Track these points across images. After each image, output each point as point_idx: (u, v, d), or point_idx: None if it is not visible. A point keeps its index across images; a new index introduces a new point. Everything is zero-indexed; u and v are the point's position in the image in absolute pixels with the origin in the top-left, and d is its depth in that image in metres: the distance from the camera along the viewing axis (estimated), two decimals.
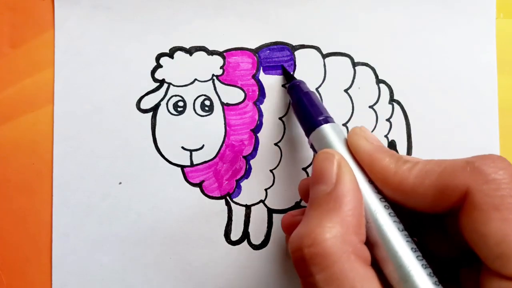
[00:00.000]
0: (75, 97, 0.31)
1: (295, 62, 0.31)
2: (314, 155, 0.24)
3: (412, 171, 0.20)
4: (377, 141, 0.23)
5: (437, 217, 0.22)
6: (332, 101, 0.31)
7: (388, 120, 0.32)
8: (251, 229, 0.31)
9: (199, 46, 0.31)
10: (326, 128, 0.24)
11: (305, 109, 0.26)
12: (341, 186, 0.21)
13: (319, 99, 0.27)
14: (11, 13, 0.31)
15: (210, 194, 0.31)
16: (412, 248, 0.20)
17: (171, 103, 0.31)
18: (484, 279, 0.19)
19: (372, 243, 0.20)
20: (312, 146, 0.25)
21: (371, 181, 0.22)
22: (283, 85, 0.31)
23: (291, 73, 0.31)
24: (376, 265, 0.20)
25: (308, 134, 0.25)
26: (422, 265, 0.19)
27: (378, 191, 0.22)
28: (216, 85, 0.31)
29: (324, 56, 0.32)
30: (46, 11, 0.31)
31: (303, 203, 0.31)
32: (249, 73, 0.31)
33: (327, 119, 0.25)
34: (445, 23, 0.32)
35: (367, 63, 0.32)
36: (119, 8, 0.31)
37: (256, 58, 0.31)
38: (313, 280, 0.19)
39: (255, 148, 0.31)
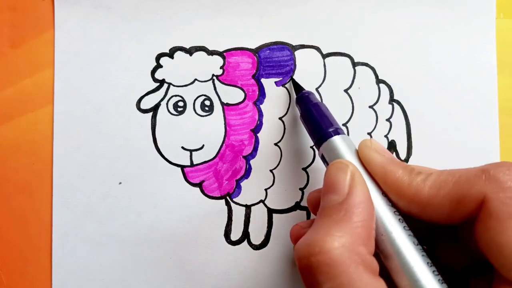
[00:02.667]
0: (75, 97, 0.31)
1: (295, 62, 0.31)
2: (326, 166, 0.24)
3: (426, 182, 0.20)
4: (388, 154, 0.23)
5: (450, 227, 0.22)
6: (332, 101, 0.31)
7: (388, 120, 0.32)
8: (251, 229, 0.31)
9: (199, 46, 0.31)
10: (337, 139, 0.24)
11: (315, 120, 0.26)
12: (353, 197, 0.20)
13: (328, 110, 0.27)
14: (11, 13, 0.31)
15: (210, 194, 0.31)
16: (428, 263, 0.20)
17: (171, 103, 0.31)
18: None
19: (386, 256, 0.20)
20: (322, 157, 0.25)
21: (384, 194, 0.22)
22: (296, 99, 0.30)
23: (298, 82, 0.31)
24: (387, 277, 0.20)
25: (318, 145, 0.25)
26: (438, 280, 0.19)
27: (392, 204, 0.22)
28: (216, 85, 0.31)
29: (324, 56, 0.32)
30: (46, 11, 0.31)
31: (303, 203, 0.31)
32: (249, 73, 0.31)
33: (338, 131, 0.24)
34: (445, 23, 0.32)
35: (367, 63, 0.32)
36: (119, 8, 0.31)
37: (256, 58, 0.31)
38: None
39: (255, 148, 0.31)
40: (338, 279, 0.18)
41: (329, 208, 0.21)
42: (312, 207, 0.27)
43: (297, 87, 0.30)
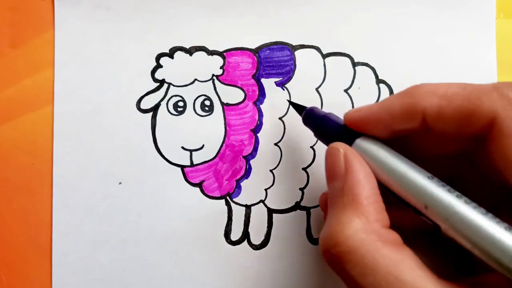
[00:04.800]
0: (75, 97, 0.31)
1: (295, 62, 0.31)
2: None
3: (437, 92, 0.20)
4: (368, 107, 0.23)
5: (470, 159, 0.22)
6: (332, 101, 0.31)
7: None
8: (251, 229, 0.31)
9: (199, 46, 0.31)
10: (359, 142, 0.22)
11: (332, 130, 0.24)
12: (350, 177, 0.20)
13: (337, 116, 0.26)
14: (11, 13, 0.31)
15: (210, 194, 0.31)
16: (474, 207, 0.18)
17: (171, 103, 0.31)
18: None
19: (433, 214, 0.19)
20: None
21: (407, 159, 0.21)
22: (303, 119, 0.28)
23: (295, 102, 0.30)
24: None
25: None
26: (497, 222, 0.18)
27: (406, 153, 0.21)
28: (216, 85, 0.31)
29: (324, 56, 0.32)
30: (46, 11, 0.31)
31: (303, 203, 0.31)
32: (249, 73, 0.31)
33: (356, 134, 0.23)
34: (445, 23, 0.32)
35: (367, 63, 0.32)
36: (119, 8, 0.31)
37: (256, 58, 0.31)
38: (350, 276, 0.19)
39: (255, 148, 0.31)
40: (362, 262, 0.18)
41: (333, 196, 0.21)
42: (324, 208, 0.27)
43: (298, 108, 0.29)
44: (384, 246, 0.19)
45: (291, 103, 0.30)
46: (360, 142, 0.22)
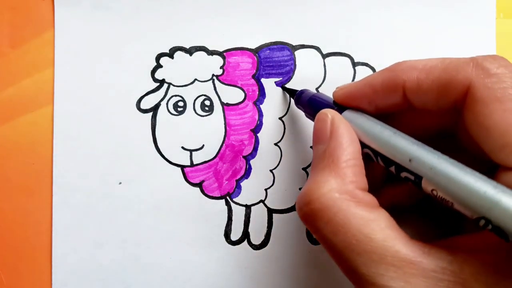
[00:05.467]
0: (75, 97, 0.31)
1: (295, 62, 0.31)
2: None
3: (417, 66, 0.21)
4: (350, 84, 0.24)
5: (453, 139, 0.22)
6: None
7: None
8: (251, 229, 0.31)
9: (199, 46, 0.31)
10: (346, 113, 0.23)
11: (321, 107, 0.25)
12: (334, 140, 0.21)
13: (327, 96, 0.27)
14: (11, 13, 0.31)
15: (210, 194, 0.31)
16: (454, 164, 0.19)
17: (171, 103, 0.31)
18: (497, 179, 0.18)
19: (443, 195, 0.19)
20: None
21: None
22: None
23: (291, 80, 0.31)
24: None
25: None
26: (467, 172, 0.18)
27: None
28: (216, 85, 0.31)
29: (324, 56, 0.32)
30: (46, 11, 0.31)
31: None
32: (249, 73, 0.31)
33: (344, 108, 0.24)
34: (445, 23, 0.32)
35: (367, 63, 0.32)
36: (119, 8, 0.31)
37: (256, 58, 0.31)
38: (322, 234, 0.19)
39: (255, 148, 0.31)
40: (334, 220, 0.19)
41: (315, 158, 0.21)
42: None
43: (290, 91, 0.30)
44: (357, 206, 0.19)
45: (283, 88, 0.31)
46: (347, 113, 0.23)
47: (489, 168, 0.19)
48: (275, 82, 0.31)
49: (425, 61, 0.21)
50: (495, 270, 0.17)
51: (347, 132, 0.21)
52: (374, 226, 0.18)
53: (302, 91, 0.28)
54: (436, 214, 0.23)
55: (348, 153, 0.20)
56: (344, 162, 0.20)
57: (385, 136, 0.21)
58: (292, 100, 0.31)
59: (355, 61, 0.32)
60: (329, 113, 0.22)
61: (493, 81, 0.18)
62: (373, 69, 0.32)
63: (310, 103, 0.27)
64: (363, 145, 0.22)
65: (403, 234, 0.19)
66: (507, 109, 0.18)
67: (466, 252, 0.18)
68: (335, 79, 0.31)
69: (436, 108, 0.21)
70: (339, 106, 0.24)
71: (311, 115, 0.26)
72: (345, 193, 0.19)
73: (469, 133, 0.20)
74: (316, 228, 0.19)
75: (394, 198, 0.24)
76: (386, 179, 0.25)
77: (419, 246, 0.18)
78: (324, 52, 0.32)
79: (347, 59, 0.32)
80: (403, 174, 0.20)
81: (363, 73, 0.32)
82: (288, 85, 0.31)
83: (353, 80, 0.31)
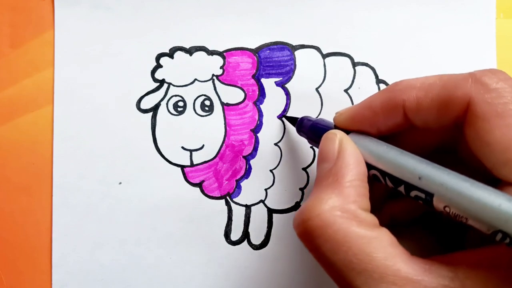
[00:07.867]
0: (75, 97, 0.31)
1: (295, 62, 0.31)
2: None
3: (416, 84, 0.20)
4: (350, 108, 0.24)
5: (455, 155, 0.22)
6: (332, 101, 0.31)
7: None
8: (251, 229, 0.31)
9: (199, 46, 0.31)
10: (351, 135, 0.23)
11: (323, 131, 0.25)
12: (340, 161, 0.21)
13: (328, 121, 0.27)
14: (11, 13, 0.31)
15: (210, 194, 0.31)
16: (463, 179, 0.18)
17: (171, 103, 0.31)
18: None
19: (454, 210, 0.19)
20: None
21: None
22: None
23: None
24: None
25: None
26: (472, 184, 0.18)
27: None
28: (216, 85, 0.31)
29: (324, 56, 0.32)
30: (46, 11, 0.31)
31: (303, 203, 0.31)
32: (249, 73, 0.31)
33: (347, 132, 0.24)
34: (445, 23, 0.32)
35: (367, 63, 0.32)
36: (119, 8, 0.31)
37: (256, 58, 0.31)
38: (321, 252, 0.19)
39: (255, 148, 0.31)
40: (334, 238, 0.18)
41: (320, 176, 0.21)
42: None
43: (291, 120, 0.30)
44: (358, 225, 0.19)
45: (285, 117, 0.31)
46: (352, 135, 0.23)
47: (490, 183, 0.19)
48: (275, 82, 0.31)
49: (423, 79, 0.21)
50: (498, 286, 0.17)
51: (354, 153, 0.21)
52: (375, 245, 0.18)
53: (302, 119, 0.28)
54: (436, 228, 0.23)
55: (353, 173, 0.20)
56: (349, 182, 0.20)
57: (392, 156, 0.21)
58: (288, 123, 0.31)
59: (355, 61, 0.32)
60: (338, 133, 0.22)
61: (492, 96, 0.18)
62: (373, 69, 0.32)
63: (313, 130, 0.26)
64: (370, 166, 0.21)
65: (404, 252, 0.18)
66: (508, 125, 0.18)
67: (468, 268, 0.18)
68: (335, 79, 0.31)
69: (437, 125, 0.21)
70: (342, 130, 0.24)
71: (314, 141, 0.26)
72: (346, 211, 0.19)
73: (470, 148, 0.20)
74: (314, 245, 0.19)
75: (394, 214, 0.24)
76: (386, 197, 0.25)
77: (420, 264, 0.18)
78: (324, 52, 0.32)
79: (347, 59, 0.32)
80: (413, 193, 0.20)
81: (363, 73, 0.32)
82: (288, 85, 0.31)
83: (353, 79, 0.31)
